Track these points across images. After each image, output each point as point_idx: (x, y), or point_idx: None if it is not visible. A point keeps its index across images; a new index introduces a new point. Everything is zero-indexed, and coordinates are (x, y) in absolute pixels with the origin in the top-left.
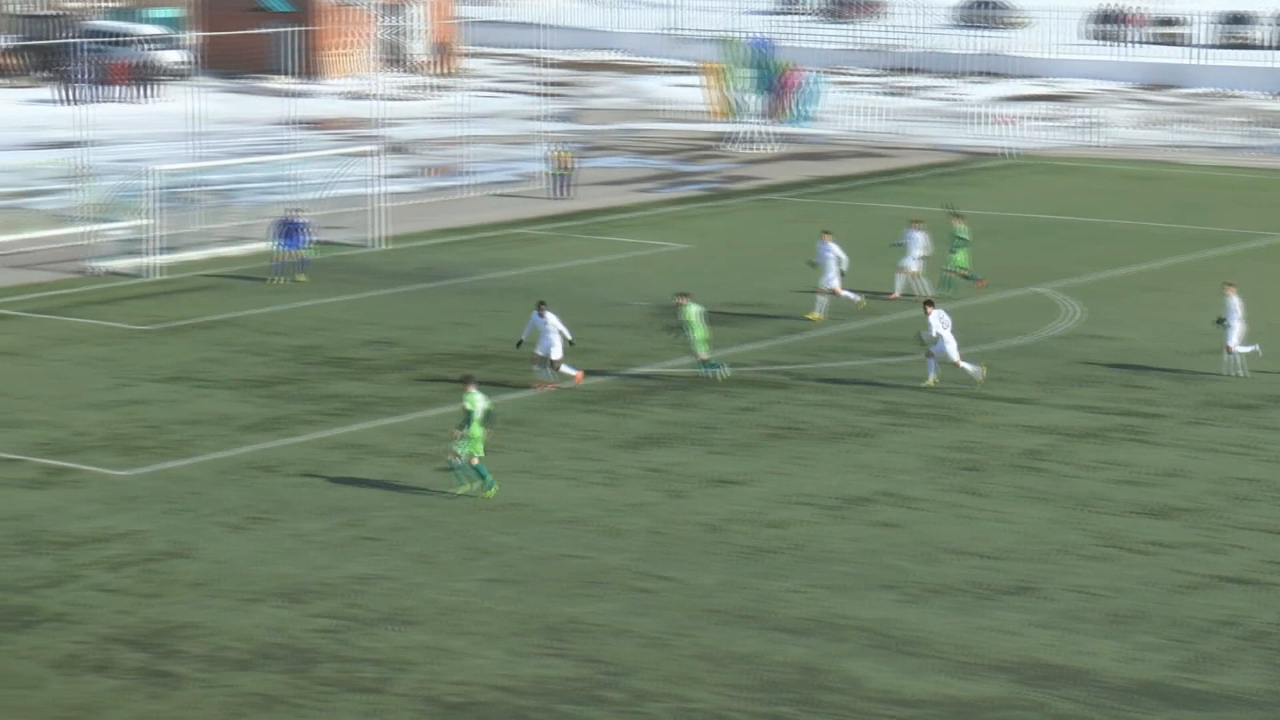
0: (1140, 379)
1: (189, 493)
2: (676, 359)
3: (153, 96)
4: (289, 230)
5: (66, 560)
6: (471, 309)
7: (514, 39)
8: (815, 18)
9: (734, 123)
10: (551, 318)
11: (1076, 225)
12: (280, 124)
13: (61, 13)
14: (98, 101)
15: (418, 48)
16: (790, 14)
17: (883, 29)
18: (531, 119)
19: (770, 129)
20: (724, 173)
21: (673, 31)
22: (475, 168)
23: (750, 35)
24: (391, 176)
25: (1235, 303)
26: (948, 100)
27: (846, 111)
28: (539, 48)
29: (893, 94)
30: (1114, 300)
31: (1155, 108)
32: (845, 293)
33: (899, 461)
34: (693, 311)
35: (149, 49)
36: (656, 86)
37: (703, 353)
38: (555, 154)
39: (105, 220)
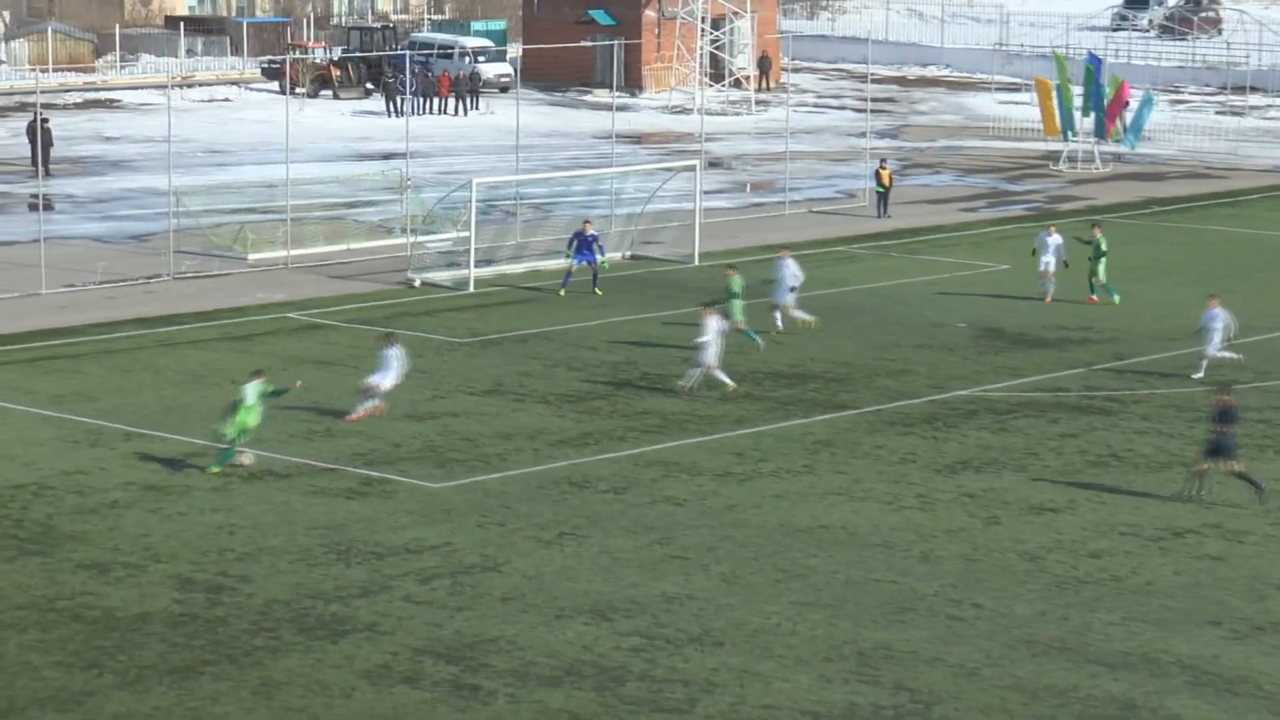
0: None
1: (501, 506)
2: (997, 381)
3: (476, 109)
4: (582, 243)
5: (379, 571)
6: (788, 328)
7: (839, 54)
8: (1151, 34)
9: (1063, 141)
10: (396, 351)
11: None
12: (600, 137)
13: (388, 24)
14: (422, 113)
15: (741, 62)
16: (1124, 30)
17: (1221, 45)
18: (854, 135)
19: (1100, 148)
20: (1050, 192)
21: (1002, 47)
22: (795, 184)
23: (1083, 51)
24: (711, 191)
25: (1218, 314)
26: None
27: (1180, 130)
28: (864, 63)
29: (1229, 113)
30: None
31: None
32: (797, 313)
33: (1226, 493)
34: (737, 283)
35: (474, 61)
36: (983, 103)
37: (741, 320)
38: (878, 171)
39: (426, 232)
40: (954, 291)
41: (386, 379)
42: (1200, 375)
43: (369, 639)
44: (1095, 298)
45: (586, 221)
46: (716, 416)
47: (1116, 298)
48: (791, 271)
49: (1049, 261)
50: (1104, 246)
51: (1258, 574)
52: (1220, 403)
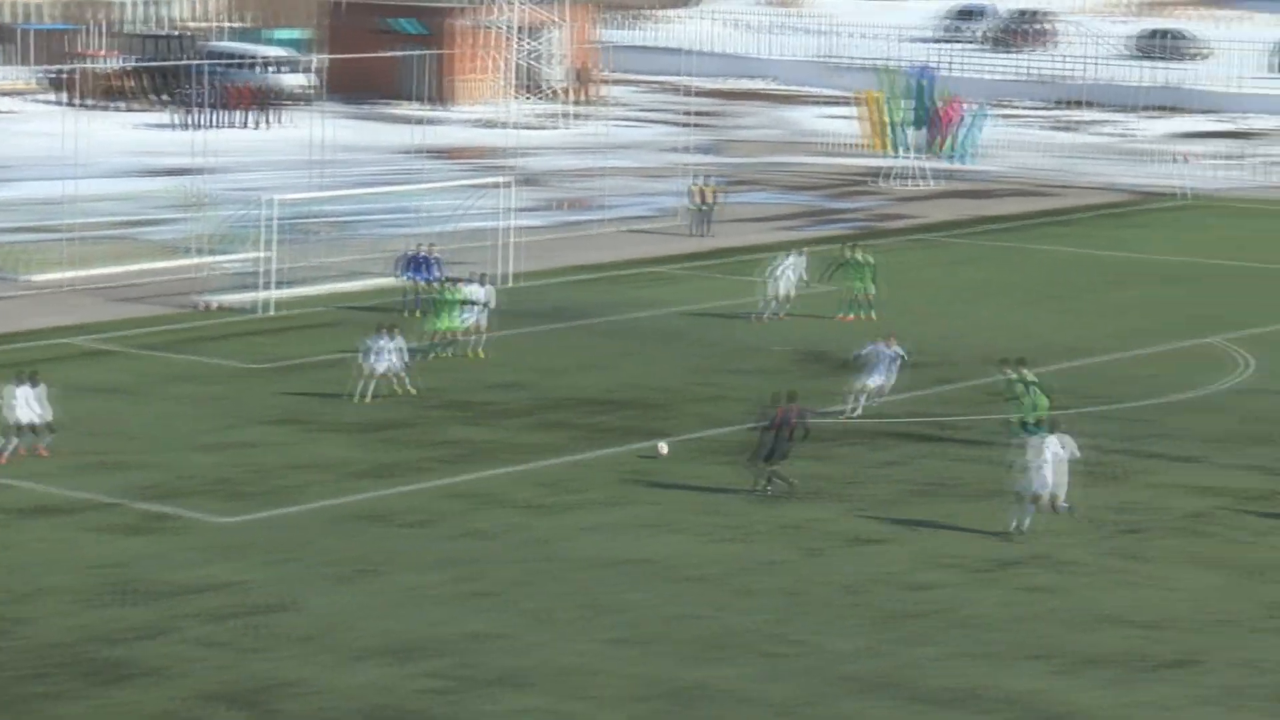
0: None
1: (296, 542)
2: (820, 407)
3: (274, 122)
4: (417, 265)
5: (166, 611)
6: (603, 351)
7: (659, 65)
8: (981, 46)
9: (889, 157)
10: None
11: (1257, 272)
12: (407, 152)
13: (182, 33)
14: (216, 126)
15: (555, 73)
16: (954, 42)
17: (1053, 59)
18: (671, 150)
19: (928, 164)
20: (876, 210)
21: (827, 59)
22: (612, 201)
23: (910, 64)
24: (523, 209)
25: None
26: (1120, 136)
27: (1011, 146)
28: (685, 75)
29: (1061, 128)
30: None
31: None
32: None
33: (1054, 522)
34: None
35: (271, 72)
36: (808, 117)
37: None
38: (696, 188)
39: (220, 252)
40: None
41: (35, 414)
42: (851, 409)
43: (154, 684)
44: (854, 316)
45: (430, 244)
46: (527, 445)
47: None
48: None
49: (787, 285)
50: (873, 262)
51: (1086, 606)
52: (783, 412)
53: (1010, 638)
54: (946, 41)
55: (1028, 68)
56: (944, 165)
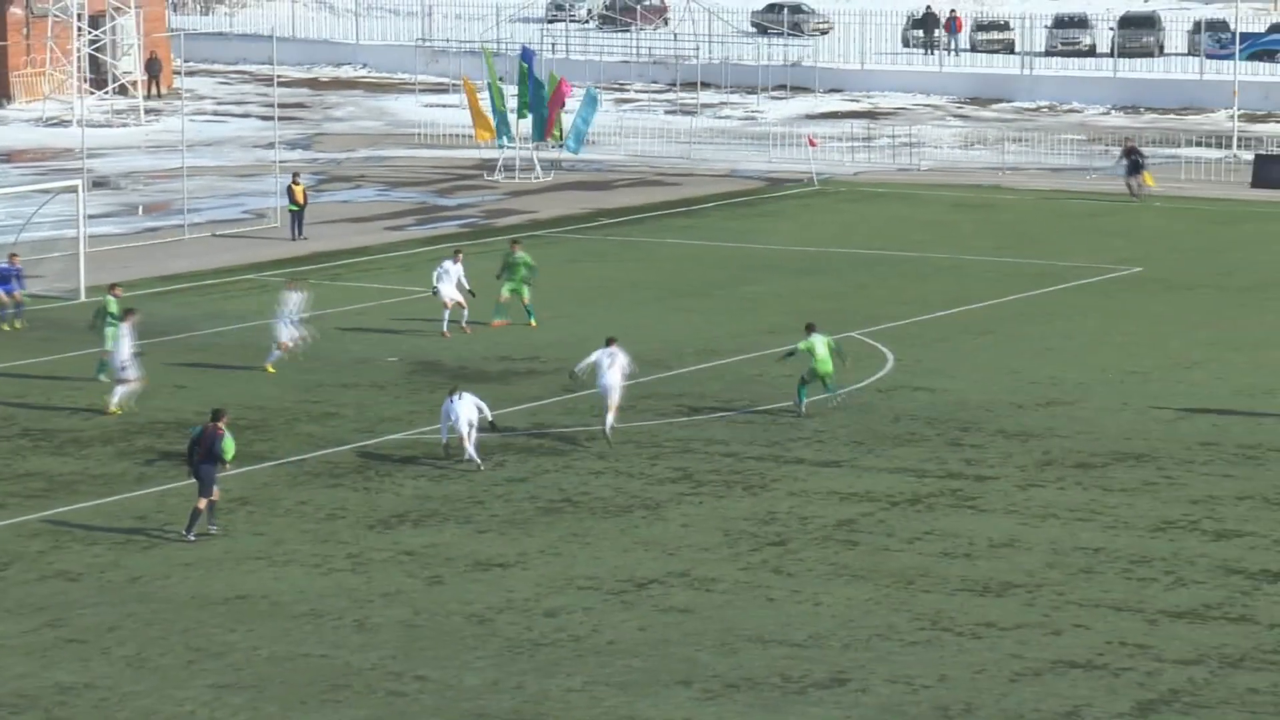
0: (967, 437)
1: None
2: (435, 422)
3: None
4: (4, 277)
5: None
6: (193, 369)
7: (240, 53)
8: (590, 26)
9: (497, 148)
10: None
11: (892, 260)
12: None
13: None
14: None
15: (126, 65)
16: (560, 21)
17: (668, 37)
18: (261, 146)
19: (539, 154)
20: (486, 206)
21: (425, 43)
22: (196, 204)
23: (516, 46)
24: (96, 216)
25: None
26: (743, 119)
27: (628, 133)
28: (269, 63)
29: (679, 112)
30: (935, 346)
31: (979, 125)
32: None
33: (693, 537)
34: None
35: None
36: (408, 107)
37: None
38: (290, 187)
39: None
40: (382, 323)
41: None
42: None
43: None
44: (502, 321)
45: (11, 254)
46: (113, 475)
47: (534, 321)
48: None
49: (451, 292)
50: (530, 263)
51: (728, 625)
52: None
53: (650, 664)
54: (555, 21)
55: (641, 48)
56: (555, 155)
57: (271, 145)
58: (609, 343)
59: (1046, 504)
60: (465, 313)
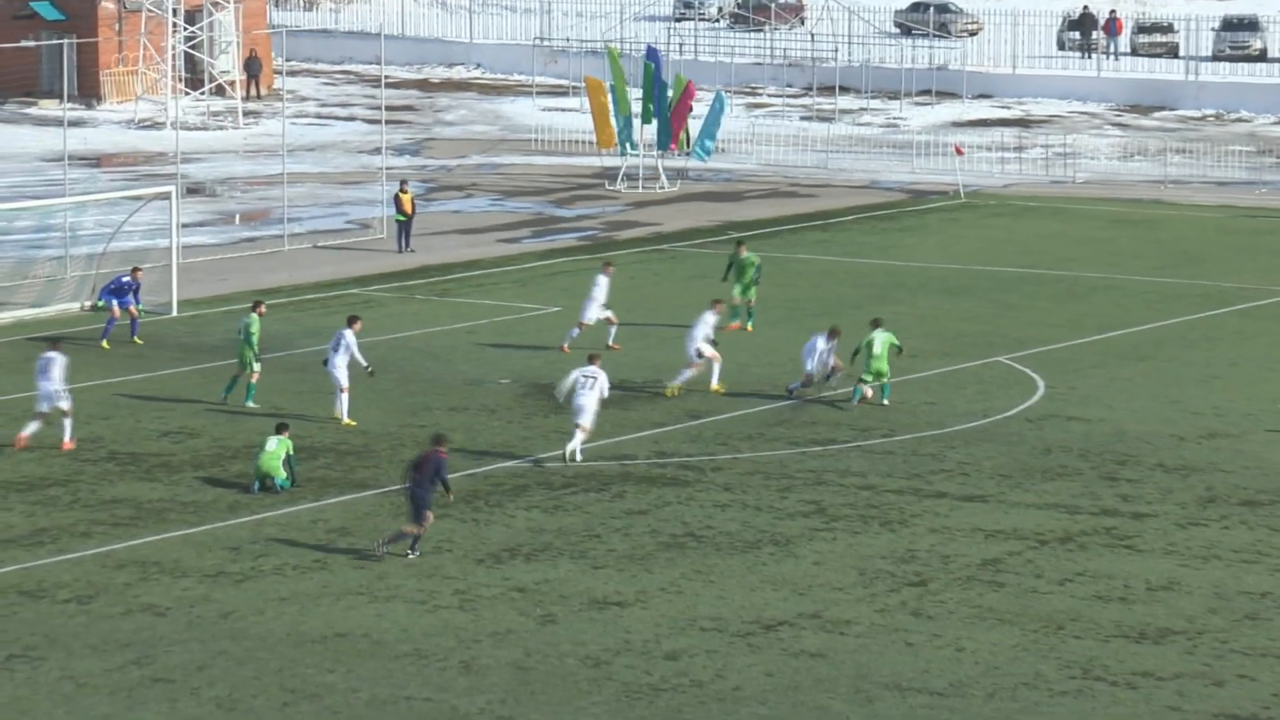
0: (1123, 470)
1: None
2: (550, 449)
3: None
4: (120, 289)
5: None
6: (293, 389)
7: (345, 52)
8: (720, 25)
9: (620, 155)
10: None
11: (1044, 280)
12: (51, 159)
13: None
14: None
15: (224, 64)
16: (691, 20)
17: (804, 38)
18: (367, 152)
19: (665, 162)
20: (607, 218)
21: (544, 43)
22: (296, 213)
23: (641, 46)
24: (190, 225)
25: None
26: (885, 127)
27: (758, 140)
28: (376, 63)
29: (816, 118)
30: (1091, 373)
31: (1140, 134)
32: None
33: (826, 575)
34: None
35: None
36: (524, 110)
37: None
38: (397, 195)
39: None
40: (495, 341)
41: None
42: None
43: None
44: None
45: (135, 268)
46: (204, 503)
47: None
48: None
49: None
50: (757, 262)
51: (863, 672)
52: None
53: (778, 712)
54: (683, 20)
55: (775, 49)
56: (681, 163)
57: (378, 150)
58: (591, 360)
59: (1209, 544)
60: (614, 329)
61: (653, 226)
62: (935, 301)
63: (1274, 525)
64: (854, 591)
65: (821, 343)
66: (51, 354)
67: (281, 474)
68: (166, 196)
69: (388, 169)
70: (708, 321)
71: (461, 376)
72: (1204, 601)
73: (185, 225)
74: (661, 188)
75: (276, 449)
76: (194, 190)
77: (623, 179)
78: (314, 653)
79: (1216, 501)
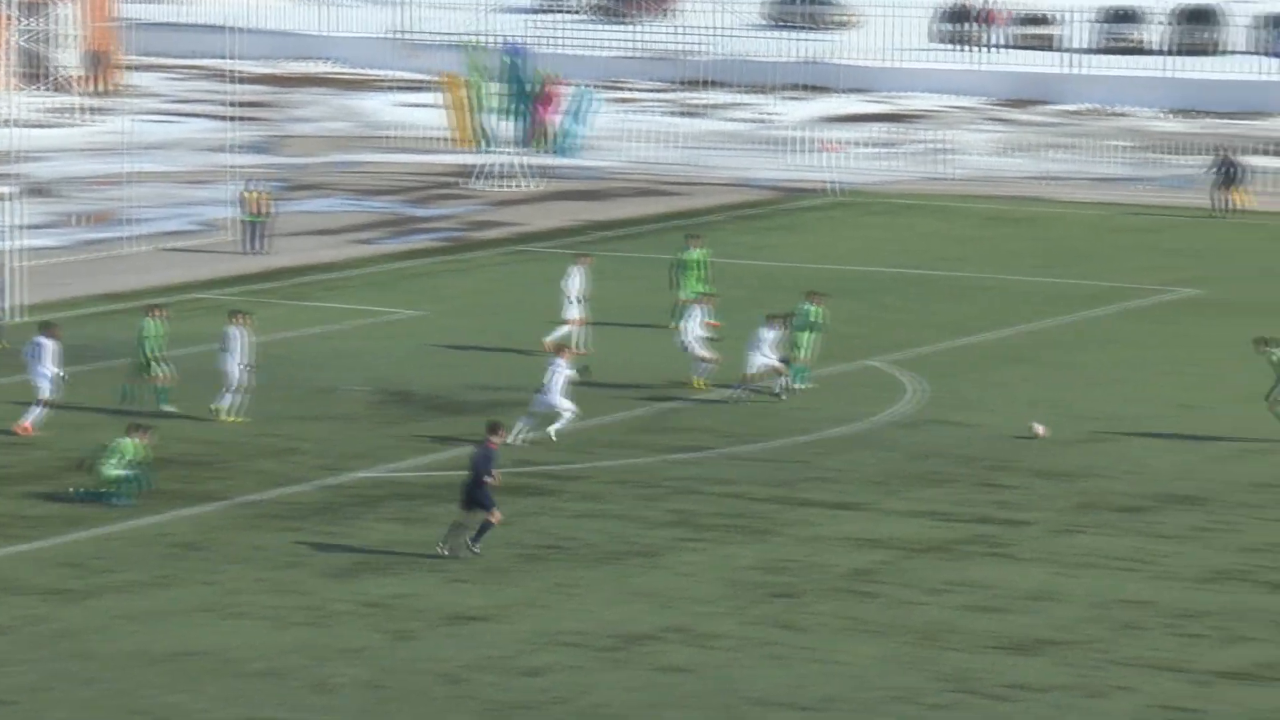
0: (1001, 477)
1: None
2: (407, 458)
3: None
4: None
5: None
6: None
7: (194, 46)
8: (585, 17)
9: (480, 153)
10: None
11: (922, 280)
12: None
13: None
14: None
15: (66, 59)
16: (553, 12)
17: (672, 31)
18: (215, 150)
19: (527, 160)
20: (468, 217)
21: (402, 36)
22: (143, 214)
23: (502, 40)
24: (31, 226)
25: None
26: (756, 122)
27: (625, 137)
28: (226, 57)
29: (685, 114)
30: (969, 376)
31: (1020, 129)
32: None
33: (693, 587)
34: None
35: None
36: (381, 106)
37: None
38: (247, 195)
39: None
40: (353, 346)
41: None
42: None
43: None
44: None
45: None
46: (42, 518)
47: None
48: None
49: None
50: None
51: (731, 687)
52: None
53: None
54: (545, 12)
55: (643, 42)
56: (546, 160)
57: (228, 149)
58: (559, 351)
59: (1087, 552)
60: (567, 331)
61: (515, 226)
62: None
63: (1153, 532)
64: (722, 604)
65: (766, 333)
66: (42, 339)
67: (117, 480)
68: (3, 198)
69: (237, 167)
70: (694, 317)
71: (317, 383)
72: (1081, 611)
73: (25, 227)
74: (524, 186)
75: (121, 454)
76: (33, 191)
77: (479, 176)
78: (161, 672)
79: (1095, 508)
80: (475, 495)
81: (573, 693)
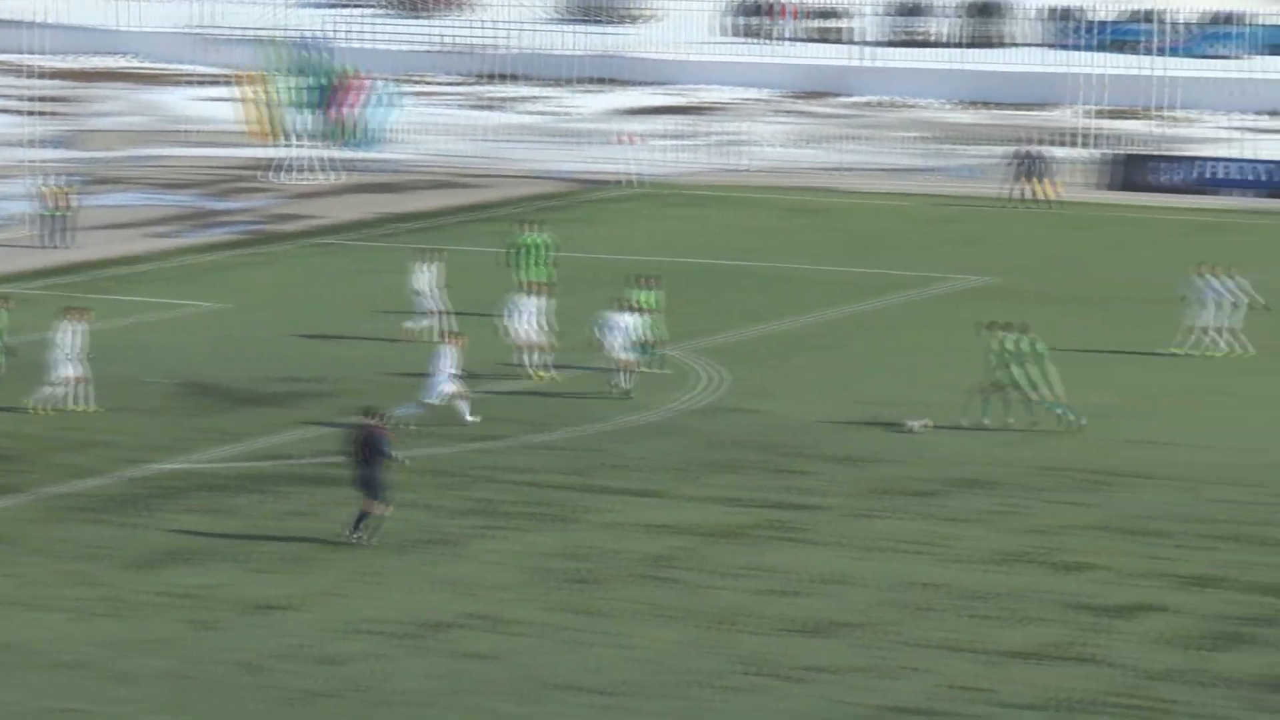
0: (795, 462)
1: None
2: (209, 450)
3: None
4: None
5: None
6: None
7: None
8: (383, 12)
9: (279, 146)
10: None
11: (719, 270)
12: None
13: None
14: None
15: None
16: (350, 6)
17: (469, 25)
18: (14, 145)
19: (326, 153)
20: (268, 210)
21: (199, 30)
22: None
23: (299, 34)
24: None
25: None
26: (553, 114)
27: (424, 130)
28: (25, 52)
29: (484, 107)
30: (766, 363)
31: (812, 121)
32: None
33: (493, 575)
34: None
35: None
36: (181, 101)
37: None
38: (46, 190)
39: None
40: (153, 339)
41: None
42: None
43: None
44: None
45: None
46: None
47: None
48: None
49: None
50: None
51: (530, 672)
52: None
53: (444, 716)
54: (344, 6)
55: (441, 36)
56: (345, 154)
57: (28, 144)
58: (445, 338)
59: (878, 536)
60: (426, 322)
61: (314, 219)
62: (609, 293)
63: (944, 516)
64: (522, 590)
65: (621, 319)
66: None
67: None
68: None
69: (36, 162)
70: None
71: (117, 376)
72: (874, 594)
73: None
74: (308, 179)
75: None
76: None
77: (279, 169)
78: None
79: (887, 493)
80: (374, 478)
81: (374, 680)
